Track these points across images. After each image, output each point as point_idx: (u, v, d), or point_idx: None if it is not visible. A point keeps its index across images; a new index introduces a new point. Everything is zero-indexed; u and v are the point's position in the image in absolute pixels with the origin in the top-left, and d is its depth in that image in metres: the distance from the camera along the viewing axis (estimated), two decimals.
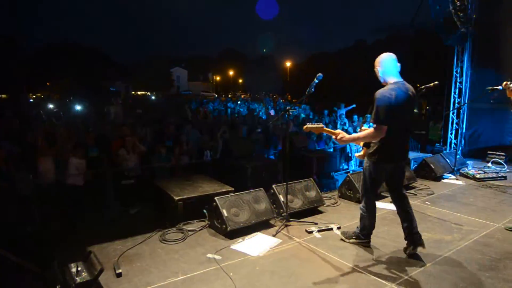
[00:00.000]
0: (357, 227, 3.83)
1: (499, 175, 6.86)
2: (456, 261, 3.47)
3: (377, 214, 4.79)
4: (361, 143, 3.68)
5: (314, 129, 3.69)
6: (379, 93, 3.26)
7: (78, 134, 8.39)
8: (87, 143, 7.38)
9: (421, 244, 3.47)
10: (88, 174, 6.96)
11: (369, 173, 3.53)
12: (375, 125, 3.24)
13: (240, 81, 64.69)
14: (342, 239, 3.94)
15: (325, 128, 3.67)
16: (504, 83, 4.30)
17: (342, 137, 3.48)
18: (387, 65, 3.39)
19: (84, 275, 2.75)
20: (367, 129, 3.41)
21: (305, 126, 3.67)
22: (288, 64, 50.36)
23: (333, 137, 3.59)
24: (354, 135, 3.57)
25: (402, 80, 3.39)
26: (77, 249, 3.61)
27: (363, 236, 3.78)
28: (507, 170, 7.41)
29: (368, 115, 3.84)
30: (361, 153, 3.75)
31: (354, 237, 3.84)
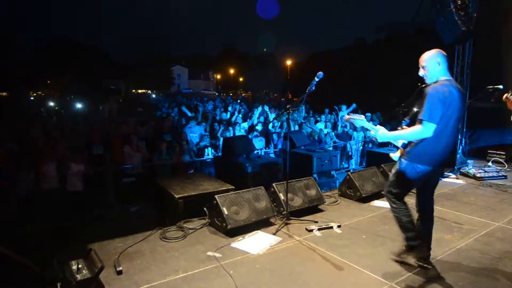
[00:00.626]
0: (403, 238, 3.36)
1: (500, 174, 6.86)
2: (456, 260, 3.48)
3: (377, 213, 4.83)
4: (400, 142, 3.40)
5: (355, 121, 3.41)
6: (432, 87, 3.01)
7: (79, 133, 8.40)
8: (92, 140, 7.38)
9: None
10: (91, 172, 6.97)
11: (405, 175, 3.18)
12: (422, 123, 2.95)
13: (241, 79, 64.64)
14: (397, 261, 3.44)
15: (366, 122, 3.40)
16: (505, 96, 4.23)
17: (383, 134, 3.27)
18: (442, 63, 3.13)
19: (85, 272, 2.76)
20: (409, 127, 3.13)
21: (346, 116, 3.41)
22: (288, 62, 50.29)
23: (371, 132, 3.36)
24: (396, 132, 3.23)
25: (452, 78, 3.17)
26: (78, 246, 3.63)
27: (412, 244, 3.29)
28: (508, 169, 7.42)
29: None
30: (397, 154, 3.45)
31: (415, 257, 3.34)
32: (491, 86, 5.20)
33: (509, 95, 4.17)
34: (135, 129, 8.60)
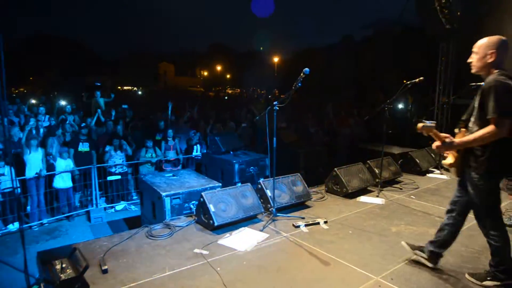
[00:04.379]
0: (490, 263, 2.95)
1: None
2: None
3: (363, 209, 4.88)
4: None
5: (426, 130, 2.88)
6: (495, 79, 2.62)
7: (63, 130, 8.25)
8: (79, 138, 7.29)
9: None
10: (75, 170, 6.88)
11: (482, 187, 2.75)
12: (497, 120, 2.54)
13: (228, 76, 64.41)
14: (471, 281, 3.03)
15: (434, 130, 2.87)
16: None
17: (451, 142, 2.77)
18: (503, 50, 2.74)
19: (69, 272, 2.72)
20: (482, 129, 2.66)
21: (420, 125, 2.85)
22: (276, 59, 50.32)
23: (437, 142, 2.87)
24: (468, 137, 2.73)
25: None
26: (62, 245, 3.57)
27: (501, 273, 2.86)
28: None
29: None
30: (452, 161, 2.99)
31: (489, 278, 2.94)
32: (474, 83, 5.29)
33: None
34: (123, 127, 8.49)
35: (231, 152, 6.83)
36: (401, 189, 5.91)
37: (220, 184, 4.86)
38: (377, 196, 5.44)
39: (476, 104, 2.77)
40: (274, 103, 4.20)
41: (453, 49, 9.60)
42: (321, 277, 3.10)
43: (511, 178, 4.24)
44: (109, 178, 7.21)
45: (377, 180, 5.83)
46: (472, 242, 3.83)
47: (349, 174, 5.57)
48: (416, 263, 3.32)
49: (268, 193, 4.61)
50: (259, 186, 4.75)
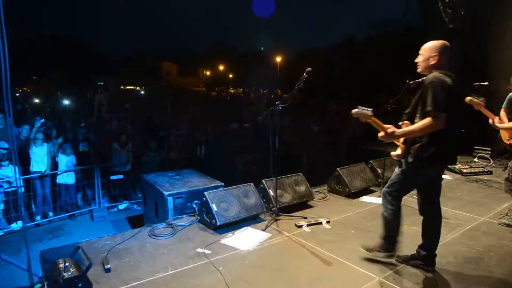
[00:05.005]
0: (380, 237, 3.33)
1: (485, 170, 6.99)
2: (443, 254, 3.52)
3: (365, 209, 4.87)
4: (401, 140, 3.12)
5: (362, 116, 3.03)
6: (434, 77, 2.87)
7: (66, 129, 8.30)
8: (78, 138, 7.32)
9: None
10: (78, 170, 6.91)
11: (407, 170, 3.04)
12: (432, 113, 2.77)
13: (231, 76, 64.40)
14: (363, 251, 3.41)
15: (374, 118, 3.04)
16: (469, 98, 4.31)
17: (393, 132, 2.96)
18: (444, 54, 3.01)
19: (72, 270, 2.73)
20: (421, 121, 2.88)
21: (354, 110, 3.05)
22: (278, 59, 50.29)
23: (380, 133, 3.05)
24: (407, 128, 2.95)
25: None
26: (66, 244, 3.59)
27: (388, 246, 3.27)
28: (493, 164, 7.55)
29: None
30: (399, 151, 3.16)
31: (378, 248, 3.32)
32: (477, 83, 5.28)
33: (472, 98, 4.25)
34: (126, 127, 8.51)
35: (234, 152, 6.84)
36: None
37: (223, 184, 4.86)
38: (380, 196, 5.41)
39: (417, 98, 3.00)
40: (277, 103, 4.20)
41: (456, 49, 9.56)
42: (323, 277, 3.10)
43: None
44: (112, 177, 7.24)
45: (379, 180, 5.82)
46: (474, 242, 3.82)
47: (352, 174, 5.56)
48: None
49: (271, 192, 4.62)
50: (262, 185, 4.76)
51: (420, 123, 2.85)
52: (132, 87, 53.46)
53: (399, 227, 3.23)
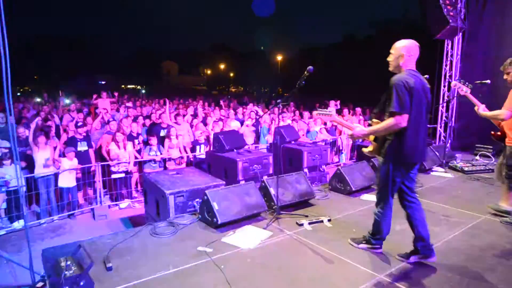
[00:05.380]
0: (369, 232, 3.54)
1: (487, 168, 6.97)
2: (444, 252, 3.53)
3: (366, 207, 4.87)
4: (371, 138, 3.33)
5: (323, 117, 3.25)
6: (397, 78, 2.99)
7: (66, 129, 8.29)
8: (76, 137, 7.32)
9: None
10: (78, 169, 6.91)
11: (386, 173, 3.17)
12: (394, 114, 2.93)
13: (231, 74, 64.40)
14: (351, 244, 3.64)
15: (336, 119, 3.24)
16: (454, 83, 4.38)
17: (360, 131, 3.18)
18: (412, 53, 3.10)
19: (74, 269, 2.74)
20: (384, 120, 3.07)
21: (315, 112, 3.27)
22: (279, 58, 50.27)
23: (349, 131, 3.25)
24: (372, 127, 3.17)
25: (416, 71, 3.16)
26: (67, 243, 3.59)
27: (374, 241, 3.49)
28: (494, 163, 7.53)
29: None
30: (370, 148, 3.36)
31: (364, 242, 3.57)
32: (479, 81, 5.28)
33: (457, 82, 4.44)
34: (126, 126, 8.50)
35: (235, 151, 6.83)
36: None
37: (224, 182, 4.86)
38: None
39: (385, 98, 3.10)
40: (278, 101, 4.20)
41: (457, 46, 9.55)
42: (324, 275, 3.10)
43: None
44: (113, 176, 7.24)
45: None
46: (475, 240, 3.82)
47: (353, 172, 5.56)
48: (420, 262, 3.31)
49: (272, 191, 4.62)
50: (263, 184, 4.76)
51: (384, 123, 3.03)
52: (133, 86, 53.52)
53: (389, 227, 3.39)
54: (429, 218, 4.44)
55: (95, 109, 11.35)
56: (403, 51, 3.09)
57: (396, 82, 2.96)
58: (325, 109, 3.24)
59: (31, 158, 6.52)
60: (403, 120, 2.93)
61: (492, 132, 4.63)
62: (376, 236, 3.46)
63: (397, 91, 2.93)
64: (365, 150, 3.41)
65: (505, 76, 4.27)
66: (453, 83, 4.39)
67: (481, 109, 4.45)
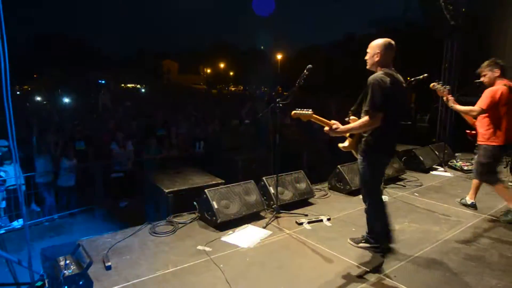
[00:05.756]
0: (366, 231, 3.58)
1: None
2: (444, 251, 3.53)
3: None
4: (347, 134, 3.42)
5: (302, 116, 3.36)
6: (374, 78, 3.07)
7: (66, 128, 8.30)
8: (74, 136, 7.32)
9: (392, 241, 3.47)
10: (78, 168, 6.91)
11: (368, 170, 3.26)
12: (370, 113, 3.04)
13: (231, 73, 64.32)
14: (350, 243, 3.65)
15: (315, 116, 3.34)
16: (432, 84, 4.50)
17: (336, 128, 3.25)
18: (387, 52, 3.19)
19: (73, 268, 2.73)
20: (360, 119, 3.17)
21: (293, 112, 3.38)
22: (279, 57, 50.20)
23: (326, 128, 3.33)
24: (349, 125, 3.24)
25: (393, 69, 3.23)
26: (66, 242, 3.59)
27: (372, 239, 3.51)
28: None
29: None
30: (346, 144, 3.47)
31: (363, 241, 3.58)
32: (479, 80, 5.28)
33: (435, 84, 4.53)
34: (128, 125, 8.51)
35: (235, 149, 6.84)
36: (404, 186, 5.89)
37: (223, 181, 4.85)
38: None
39: (361, 97, 3.22)
40: (277, 100, 4.19)
41: (457, 46, 9.54)
42: (324, 274, 3.10)
43: None
44: (113, 175, 7.24)
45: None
46: (475, 239, 3.82)
47: (352, 171, 5.55)
48: (419, 261, 3.31)
49: (271, 190, 4.61)
50: (262, 183, 4.76)
51: (359, 121, 3.15)
52: (133, 85, 53.45)
53: (384, 222, 3.38)
54: (428, 217, 4.47)
55: None
56: (379, 50, 3.18)
57: (373, 82, 3.05)
58: (303, 108, 3.37)
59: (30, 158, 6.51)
60: (378, 119, 3.03)
61: (467, 131, 4.77)
62: (372, 233, 3.50)
63: (373, 91, 3.02)
64: (340, 145, 3.50)
65: (481, 78, 4.46)
66: (431, 85, 4.49)
67: (452, 103, 4.55)
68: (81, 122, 8.31)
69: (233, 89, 58.77)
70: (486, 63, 4.45)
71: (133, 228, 4.00)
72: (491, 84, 4.36)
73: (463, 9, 9.24)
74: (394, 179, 6.14)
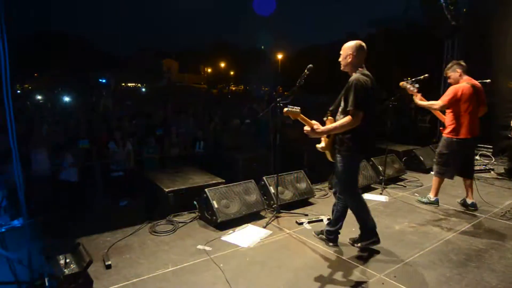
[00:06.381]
0: (360, 229, 3.53)
1: (487, 168, 6.96)
2: (444, 252, 3.52)
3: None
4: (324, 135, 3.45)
5: (292, 114, 3.38)
6: (357, 78, 3.16)
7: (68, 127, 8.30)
8: (78, 134, 7.32)
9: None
10: (79, 166, 6.90)
11: (344, 167, 3.32)
12: (353, 112, 3.10)
13: (232, 73, 64.29)
14: (350, 243, 3.68)
15: (301, 115, 3.38)
16: (401, 83, 4.65)
17: (317, 129, 3.28)
18: (359, 53, 3.30)
19: (73, 267, 2.73)
20: (342, 118, 3.23)
21: (285, 109, 3.40)
22: (280, 56, 50.16)
23: (307, 127, 3.34)
24: (330, 125, 3.27)
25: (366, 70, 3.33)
26: (66, 241, 3.58)
27: (366, 235, 3.48)
28: (494, 162, 7.53)
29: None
30: (323, 144, 3.48)
31: (359, 240, 3.55)
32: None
33: (405, 83, 4.64)
34: (128, 124, 8.51)
35: (235, 149, 6.83)
36: (405, 186, 5.89)
37: (224, 181, 4.85)
38: (381, 194, 5.42)
39: (341, 97, 3.31)
40: (278, 99, 4.19)
41: (458, 46, 9.53)
42: (324, 274, 3.10)
43: None
44: (112, 174, 7.23)
45: (380, 177, 5.81)
46: (475, 240, 3.81)
47: None
48: (419, 261, 3.31)
49: (272, 189, 4.61)
50: (263, 182, 4.75)
51: (341, 121, 3.20)
52: (133, 84, 53.45)
53: (369, 217, 3.44)
54: (429, 218, 4.47)
55: None
56: (351, 51, 3.29)
57: (355, 82, 3.14)
58: (294, 106, 3.38)
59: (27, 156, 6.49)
60: (359, 118, 3.12)
61: (441, 128, 4.90)
62: (364, 229, 3.50)
63: (356, 90, 3.10)
64: (318, 146, 3.53)
65: (448, 80, 4.76)
66: (401, 83, 4.62)
67: (418, 99, 4.70)
68: (82, 121, 8.31)
69: (233, 88, 58.71)
70: (448, 65, 4.77)
71: (133, 227, 4.01)
72: (456, 83, 4.64)
73: (464, 9, 9.23)
74: (395, 180, 6.14)
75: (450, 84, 4.72)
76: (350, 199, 3.44)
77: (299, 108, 3.36)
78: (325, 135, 3.43)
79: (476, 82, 4.66)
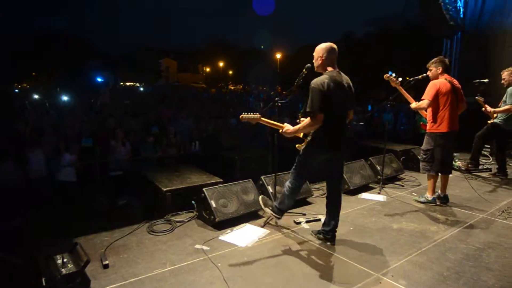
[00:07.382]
0: (276, 200, 3.84)
1: (485, 167, 6.98)
2: (441, 251, 3.53)
3: (364, 206, 4.87)
4: (301, 134, 3.61)
5: (250, 119, 3.52)
6: (314, 81, 3.27)
7: (67, 125, 8.28)
8: (82, 133, 7.30)
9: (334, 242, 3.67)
10: (78, 165, 6.89)
11: (303, 157, 3.52)
12: (310, 114, 3.24)
13: (230, 72, 64.26)
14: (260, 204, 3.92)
15: (263, 119, 3.53)
16: (385, 76, 4.73)
17: (287, 130, 3.48)
18: (329, 55, 3.40)
19: (70, 266, 2.72)
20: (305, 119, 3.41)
21: (241, 116, 3.57)
22: (278, 55, 50.15)
23: (280, 130, 3.55)
24: (295, 127, 3.45)
25: (338, 70, 3.44)
26: (63, 240, 3.58)
27: (278, 210, 3.73)
28: (492, 162, 7.54)
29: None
30: (304, 145, 3.61)
31: (270, 208, 3.80)
32: (478, 80, 5.30)
33: (388, 75, 4.78)
34: (127, 123, 8.50)
35: (233, 148, 6.83)
36: (402, 186, 5.90)
37: (222, 180, 4.85)
38: (379, 193, 5.43)
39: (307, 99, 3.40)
40: (276, 99, 4.19)
41: (456, 45, 9.55)
42: (321, 273, 3.10)
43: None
44: (111, 173, 7.22)
45: (378, 177, 5.82)
46: (472, 239, 3.82)
47: (351, 170, 5.56)
48: (417, 261, 3.32)
49: (270, 189, 4.61)
50: (261, 182, 4.75)
51: (303, 123, 3.38)
52: (132, 83, 53.36)
53: (292, 203, 3.72)
54: (426, 217, 4.47)
55: None
56: (321, 53, 3.41)
57: (313, 86, 3.25)
58: (252, 112, 3.57)
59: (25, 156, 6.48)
60: (319, 119, 3.23)
61: (421, 123, 5.06)
62: (280, 206, 3.70)
63: (313, 94, 3.22)
64: (298, 146, 3.63)
65: (428, 72, 4.83)
66: (385, 76, 4.71)
67: (414, 105, 4.85)
68: (81, 121, 8.29)
69: (232, 88, 58.69)
70: (434, 60, 4.81)
71: (131, 227, 4.00)
72: (435, 78, 4.74)
73: (463, 9, 9.26)
74: (393, 179, 6.15)
75: (429, 79, 4.80)
76: (293, 180, 3.59)
77: (258, 114, 3.59)
78: (302, 135, 3.61)
79: (454, 80, 4.76)
